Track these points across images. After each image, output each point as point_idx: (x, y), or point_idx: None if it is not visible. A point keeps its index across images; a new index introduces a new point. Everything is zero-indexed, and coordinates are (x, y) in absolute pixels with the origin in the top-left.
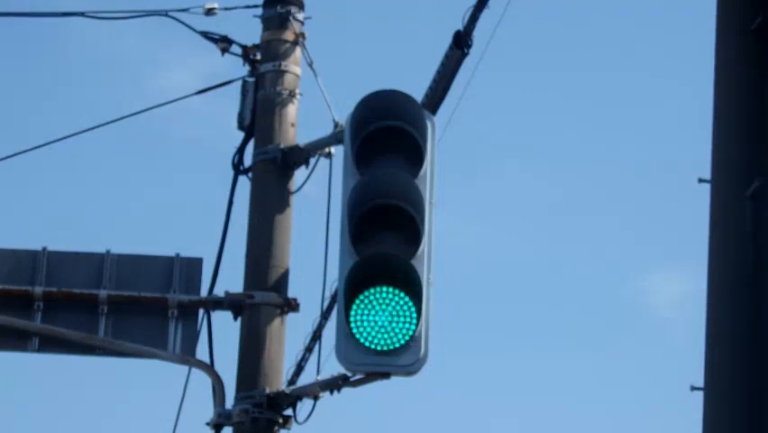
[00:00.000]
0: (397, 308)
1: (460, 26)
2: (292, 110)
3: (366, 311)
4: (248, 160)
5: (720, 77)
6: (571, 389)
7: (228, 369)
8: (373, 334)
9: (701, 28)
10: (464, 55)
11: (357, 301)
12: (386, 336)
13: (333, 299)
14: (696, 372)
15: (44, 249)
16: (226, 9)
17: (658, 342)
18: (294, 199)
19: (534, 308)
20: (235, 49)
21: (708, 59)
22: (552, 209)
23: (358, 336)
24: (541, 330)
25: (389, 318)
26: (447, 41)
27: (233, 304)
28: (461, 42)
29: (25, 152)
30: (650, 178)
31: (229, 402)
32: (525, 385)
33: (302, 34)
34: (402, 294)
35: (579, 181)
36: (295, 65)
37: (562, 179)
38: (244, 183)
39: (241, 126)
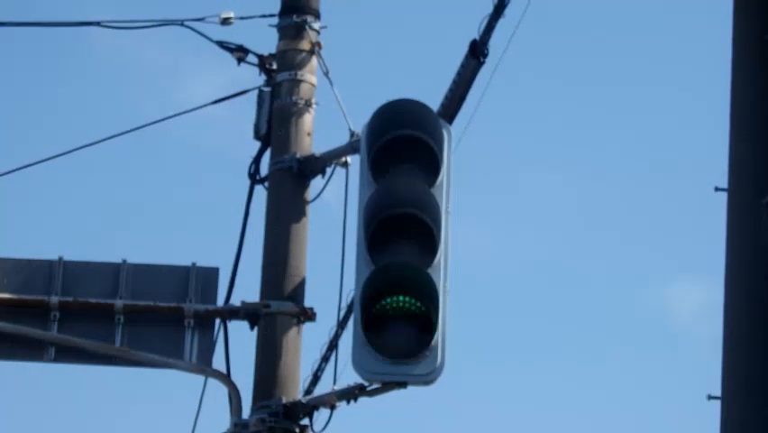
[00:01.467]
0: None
1: (476, 35)
2: (308, 119)
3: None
4: (264, 169)
5: (737, 86)
6: (589, 398)
7: (244, 379)
8: None
9: (718, 38)
10: (480, 64)
11: (374, 310)
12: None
13: (350, 308)
14: (715, 381)
15: (60, 259)
16: (242, 18)
17: (677, 351)
18: (310, 209)
19: (552, 317)
20: (251, 58)
21: (724, 69)
22: (568, 218)
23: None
24: (559, 339)
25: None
26: (463, 50)
27: (249, 313)
28: (477, 52)
29: (43, 161)
30: (666, 186)
31: (245, 412)
32: (543, 395)
33: (318, 44)
34: (418, 303)
35: (596, 190)
36: (311, 74)
37: (578, 188)
38: (261, 193)
39: (257, 136)
